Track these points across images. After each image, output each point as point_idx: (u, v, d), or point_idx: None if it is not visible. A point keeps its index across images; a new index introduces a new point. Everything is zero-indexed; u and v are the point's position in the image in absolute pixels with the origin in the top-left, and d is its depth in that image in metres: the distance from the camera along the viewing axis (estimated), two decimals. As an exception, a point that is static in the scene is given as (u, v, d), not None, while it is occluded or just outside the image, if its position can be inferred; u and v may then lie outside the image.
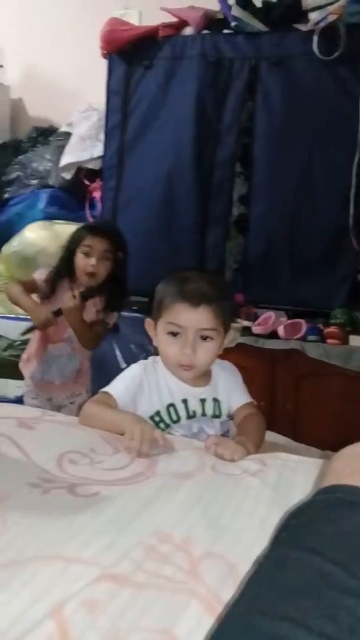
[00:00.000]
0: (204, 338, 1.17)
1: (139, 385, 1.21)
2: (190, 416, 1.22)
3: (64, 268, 1.89)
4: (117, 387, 1.21)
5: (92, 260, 1.83)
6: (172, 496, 0.82)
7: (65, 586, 0.58)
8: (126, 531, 0.70)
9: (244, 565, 0.62)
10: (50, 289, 1.89)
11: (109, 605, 0.56)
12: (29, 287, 1.91)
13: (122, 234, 1.99)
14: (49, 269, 1.93)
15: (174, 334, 1.17)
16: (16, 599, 0.56)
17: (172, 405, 1.21)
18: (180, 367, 1.18)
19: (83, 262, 1.84)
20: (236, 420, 1.25)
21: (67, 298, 1.82)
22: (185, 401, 1.22)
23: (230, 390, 1.27)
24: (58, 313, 1.83)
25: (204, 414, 1.22)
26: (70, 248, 1.88)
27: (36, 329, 1.88)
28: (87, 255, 1.84)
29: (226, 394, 1.26)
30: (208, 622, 0.53)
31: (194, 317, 1.15)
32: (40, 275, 1.93)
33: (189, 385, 1.22)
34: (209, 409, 1.23)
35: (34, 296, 1.91)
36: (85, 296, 1.84)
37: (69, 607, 0.55)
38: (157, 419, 1.21)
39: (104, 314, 1.92)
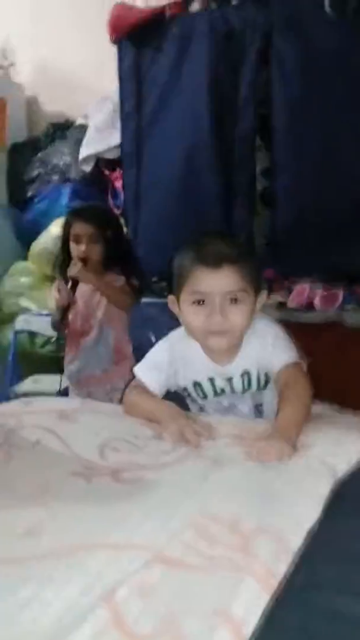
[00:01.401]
0: (234, 301, 1.07)
1: (166, 369, 1.18)
2: (218, 394, 1.18)
3: (64, 258, 1.92)
4: (147, 375, 1.19)
5: (82, 247, 1.87)
6: (218, 477, 0.81)
7: (115, 573, 0.57)
8: (174, 514, 0.69)
9: (297, 539, 0.59)
10: (73, 283, 1.90)
11: (162, 589, 0.55)
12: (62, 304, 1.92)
13: (108, 211, 2.09)
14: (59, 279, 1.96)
15: (200, 303, 1.08)
16: (65, 590, 0.55)
17: (198, 383, 1.18)
18: (211, 334, 1.09)
19: (75, 250, 1.89)
20: (278, 385, 1.12)
21: (71, 268, 1.86)
22: (211, 379, 1.17)
23: (266, 354, 1.14)
24: (74, 285, 1.87)
25: (233, 391, 1.18)
26: (65, 238, 1.93)
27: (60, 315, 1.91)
28: (77, 242, 1.88)
29: (259, 362, 1.15)
30: (264, 599, 0.51)
31: (217, 281, 1.06)
32: (56, 288, 1.95)
33: (215, 364, 1.16)
34: (238, 385, 1.17)
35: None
36: (84, 261, 1.87)
37: (120, 593, 0.54)
38: (185, 393, 1.20)
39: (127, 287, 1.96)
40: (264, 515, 0.68)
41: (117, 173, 2.64)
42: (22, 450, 0.93)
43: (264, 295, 1.16)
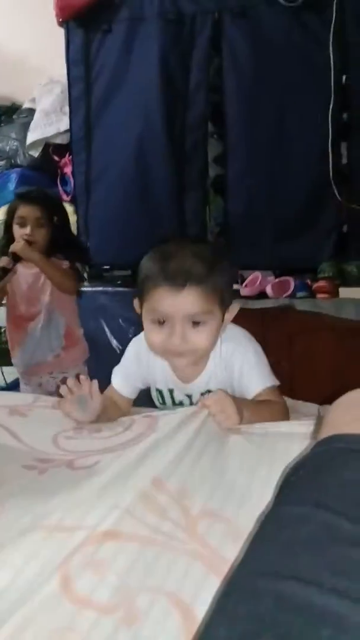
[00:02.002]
0: (196, 324, 0.99)
1: (134, 371, 1.17)
2: (176, 404, 1.17)
3: (8, 243, 1.87)
4: (115, 379, 1.18)
5: (27, 230, 1.83)
6: (168, 445, 0.81)
7: (69, 552, 0.57)
8: (126, 487, 0.69)
9: (245, 524, 0.61)
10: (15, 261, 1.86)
11: (115, 563, 0.55)
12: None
13: (55, 198, 2.03)
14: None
15: (160, 322, 1.00)
16: (21, 572, 0.55)
17: (159, 390, 1.18)
18: (171, 354, 1.03)
19: (19, 233, 1.84)
20: None
21: (14, 245, 1.82)
22: (171, 391, 1.16)
23: (233, 378, 1.09)
24: (15, 259, 1.82)
25: (192, 404, 1.15)
26: (8, 222, 1.89)
27: None
28: (21, 225, 1.84)
29: (222, 383, 1.10)
30: (214, 583, 0.53)
31: (178, 302, 0.96)
32: None
33: (177, 379, 1.13)
34: (196, 401, 1.13)
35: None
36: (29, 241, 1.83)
37: (74, 569, 0.54)
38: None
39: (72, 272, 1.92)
40: (209, 493, 0.69)
41: (67, 159, 2.59)
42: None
43: (234, 308, 1.08)
